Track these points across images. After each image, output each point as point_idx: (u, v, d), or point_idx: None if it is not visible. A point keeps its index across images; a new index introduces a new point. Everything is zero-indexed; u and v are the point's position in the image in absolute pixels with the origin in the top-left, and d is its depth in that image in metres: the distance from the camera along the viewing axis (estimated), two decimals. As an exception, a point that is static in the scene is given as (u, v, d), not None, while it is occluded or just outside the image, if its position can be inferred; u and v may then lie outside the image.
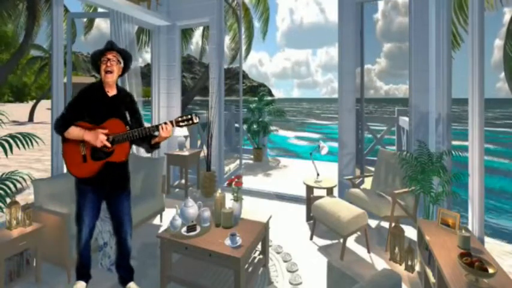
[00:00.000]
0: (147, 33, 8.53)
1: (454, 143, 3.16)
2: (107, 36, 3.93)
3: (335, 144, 4.19)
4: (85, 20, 9.67)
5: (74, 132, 1.96)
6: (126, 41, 3.99)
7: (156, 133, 2.05)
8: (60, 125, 1.97)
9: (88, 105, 2.02)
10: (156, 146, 2.17)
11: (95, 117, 2.01)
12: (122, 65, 2.16)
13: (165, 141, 2.24)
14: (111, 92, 2.12)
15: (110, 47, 2.13)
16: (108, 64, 2.06)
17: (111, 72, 2.06)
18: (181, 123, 2.01)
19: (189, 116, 2.00)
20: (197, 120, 2.00)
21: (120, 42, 3.88)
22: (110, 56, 2.08)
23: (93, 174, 2.02)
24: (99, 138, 1.93)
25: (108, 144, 1.97)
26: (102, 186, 2.09)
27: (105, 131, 1.97)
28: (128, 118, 2.13)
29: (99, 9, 4.81)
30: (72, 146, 2.01)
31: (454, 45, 5.38)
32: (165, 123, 2.02)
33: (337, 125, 4.02)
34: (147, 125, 2.15)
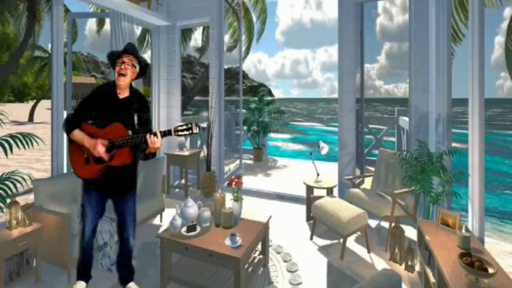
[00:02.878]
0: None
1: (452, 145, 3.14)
2: (107, 36, 3.93)
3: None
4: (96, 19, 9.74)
5: (77, 135, 1.98)
6: (126, 41, 3.98)
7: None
8: (67, 124, 1.99)
9: (97, 105, 2.02)
10: (151, 155, 2.06)
11: (101, 118, 2.00)
12: (137, 69, 2.14)
13: (165, 141, 2.21)
14: (123, 94, 2.10)
15: (126, 50, 2.11)
16: (122, 67, 2.04)
17: (124, 75, 2.04)
18: (180, 133, 1.94)
19: (189, 125, 1.93)
20: (197, 131, 1.93)
21: (121, 43, 3.87)
22: (125, 59, 2.06)
23: (95, 176, 2.02)
24: (97, 148, 1.91)
25: (105, 158, 1.94)
26: (105, 187, 2.10)
27: (105, 142, 1.94)
28: (136, 122, 2.08)
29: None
30: (77, 147, 2.03)
31: (455, 39, 5.34)
32: (154, 134, 1.92)
33: (326, 128, 4.02)
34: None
